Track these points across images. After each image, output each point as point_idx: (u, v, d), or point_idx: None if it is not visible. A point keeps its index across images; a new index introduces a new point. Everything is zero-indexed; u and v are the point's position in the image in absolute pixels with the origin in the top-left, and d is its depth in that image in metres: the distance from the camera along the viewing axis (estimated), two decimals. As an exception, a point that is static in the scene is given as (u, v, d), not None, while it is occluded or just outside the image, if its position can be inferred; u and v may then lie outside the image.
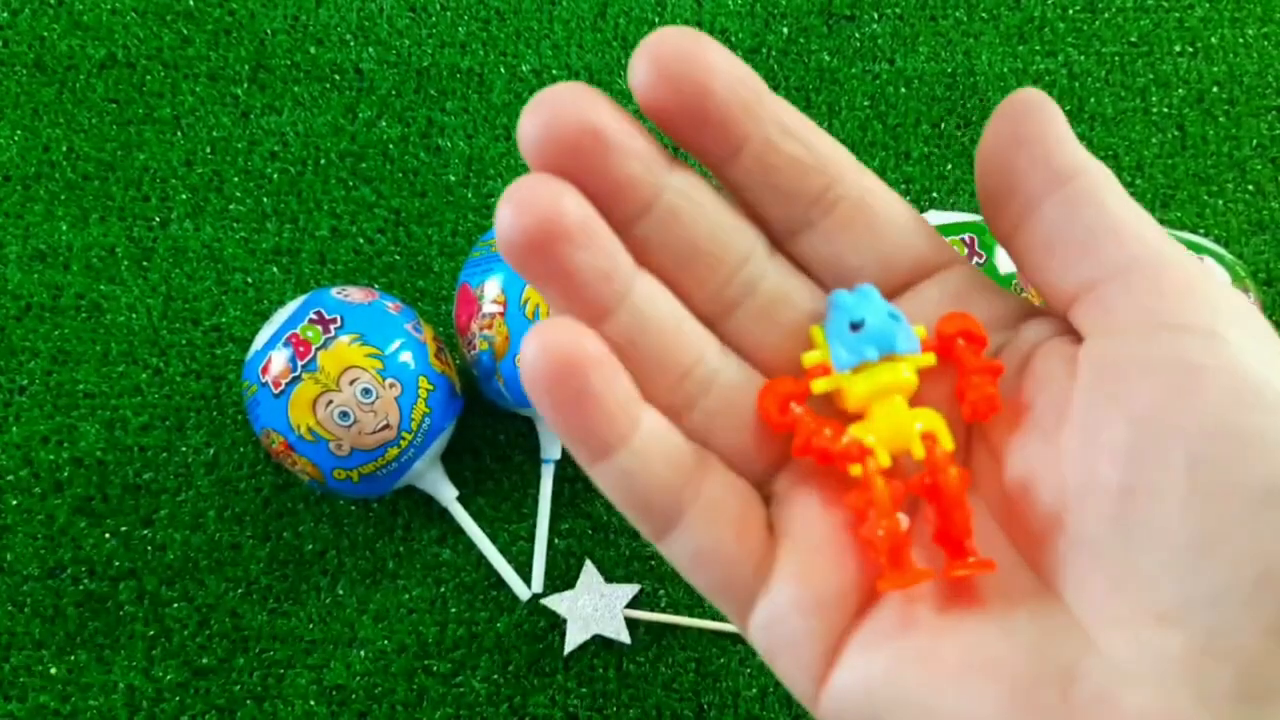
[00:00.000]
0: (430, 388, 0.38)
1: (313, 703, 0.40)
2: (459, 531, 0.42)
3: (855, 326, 0.17)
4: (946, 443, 0.17)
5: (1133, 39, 0.51)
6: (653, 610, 0.41)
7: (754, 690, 0.40)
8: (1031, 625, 0.16)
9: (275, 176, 0.48)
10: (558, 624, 0.41)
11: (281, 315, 0.38)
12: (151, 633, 0.41)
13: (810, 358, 0.17)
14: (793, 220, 0.18)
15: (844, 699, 0.16)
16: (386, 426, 0.37)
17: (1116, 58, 0.50)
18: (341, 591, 0.41)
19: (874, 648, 0.16)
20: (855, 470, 0.17)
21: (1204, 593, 0.14)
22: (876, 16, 0.51)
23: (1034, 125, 0.17)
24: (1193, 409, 0.15)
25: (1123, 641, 0.15)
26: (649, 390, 0.17)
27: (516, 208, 0.15)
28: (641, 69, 0.16)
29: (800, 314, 0.18)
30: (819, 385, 0.17)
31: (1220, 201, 0.48)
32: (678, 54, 0.16)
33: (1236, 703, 0.14)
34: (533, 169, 0.16)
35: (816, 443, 0.17)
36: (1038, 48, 0.51)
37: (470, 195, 0.47)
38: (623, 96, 0.49)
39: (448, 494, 0.41)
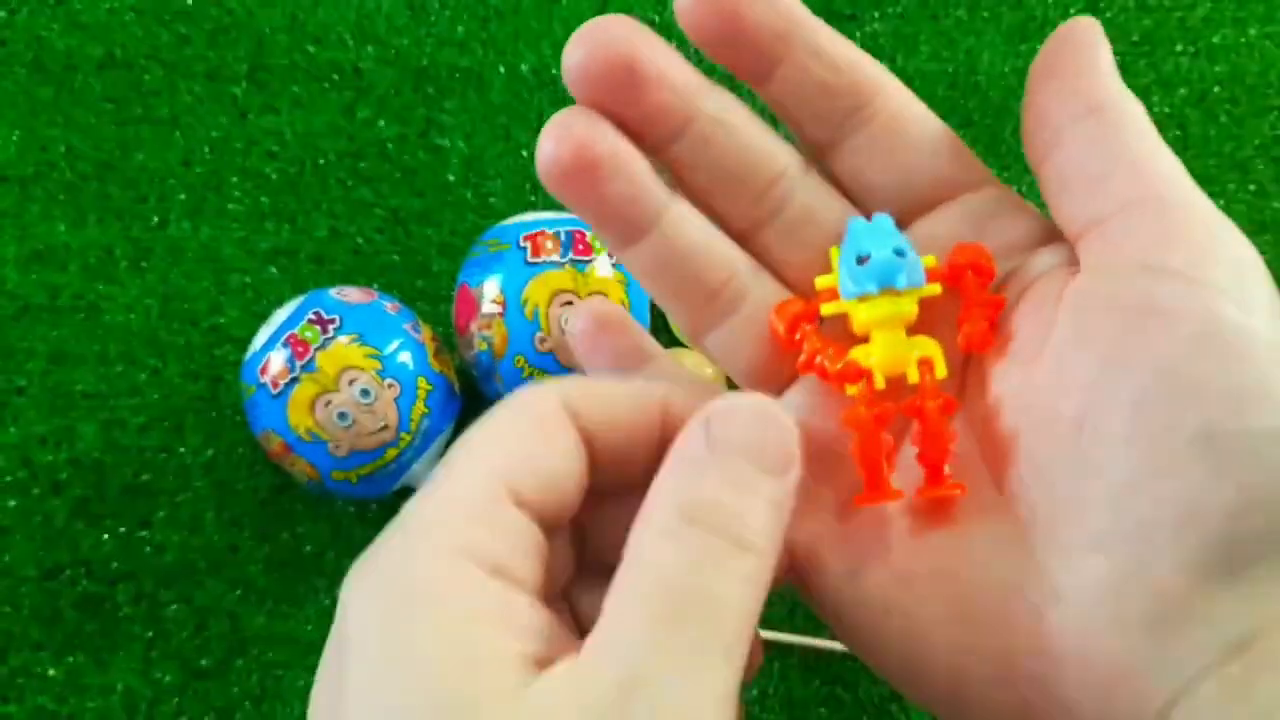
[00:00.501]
0: (429, 388, 0.38)
1: (311, 705, 0.40)
2: (458, 533, 0.42)
3: (861, 260, 0.18)
4: (940, 370, 0.18)
5: (1134, 38, 0.51)
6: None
7: (754, 691, 0.40)
8: (988, 541, 0.17)
9: (273, 176, 0.48)
10: (557, 626, 0.41)
11: (280, 316, 0.38)
12: (149, 634, 0.41)
13: (823, 281, 0.19)
14: (824, 137, 0.19)
15: (823, 587, 0.18)
16: (385, 427, 0.37)
17: (1118, 57, 0.50)
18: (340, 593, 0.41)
19: (849, 554, 0.18)
20: (851, 390, 0.18)
21: (1131, 526, 0.15)
22: (877, 15, 0.51)
23: (1068, 56, 0.18)
24: (1147, 351, 0.15)
25: (1059, 564, 0.16)
26: (680, 308, 0.19)
27: (555, 140, 0.17)
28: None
29: (825, 233, 0.19)
30: (826, 309, 0.19)
31: (1222, 202, 0.48)
32: None
33: (1146, 631, 0.15)
34: (576, 98, 0.18)
35: (818, 362, 0.18)
36: (1039, 46, 0.50)
37: (469, 195, 0.47)
38: (622, 96, 0.49)
39: (447, 495, 0.41)
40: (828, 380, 0.18)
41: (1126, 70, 0.50)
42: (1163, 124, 0.50)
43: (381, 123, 0.49)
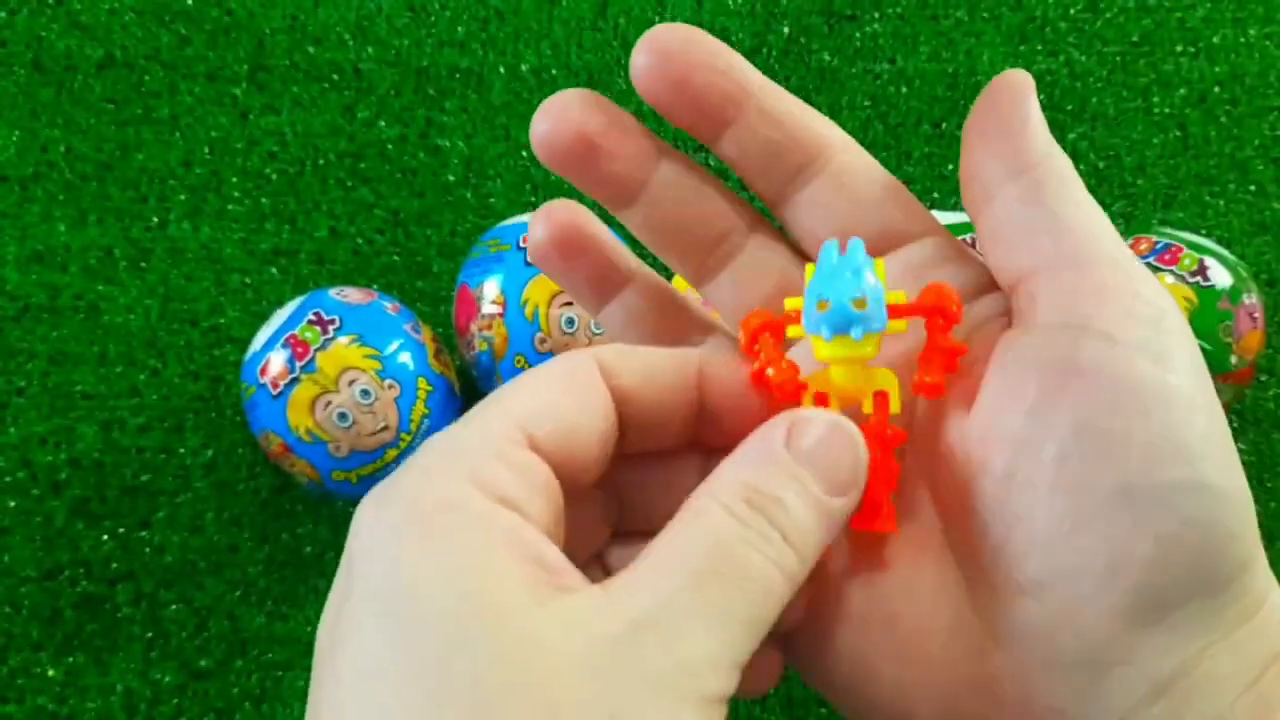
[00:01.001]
0: (429, 389, 0.38)
1: (311, 705, 0.40)
2: (458, 533, 0.42)
3: (823, 304, 0.18)
4: (895, 406, 0.18)
5: (1134, 39, 0.51)
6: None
7: (754, 693, 0.40)
8: (932, 585, 0.18)
9: (274, 177, 0.48)
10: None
11: (280, 316, 0.38)
12: (149, 635, 0.41)
13: (792, 302, 0.19)
14: (775, 192, 0.20)
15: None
16: (385, 428, 0.37)
17: (1118, 57, 0.50)
18: (340, 593, 0.41)
19: (807, 594, 0.18)
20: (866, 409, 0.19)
21: (1059, 574, 0.16)
22: (877, 16, 0.51)
23: (998, 114, 0.18)
24: (1068, 407, 0.16)
25: (995, 608, 0.17)
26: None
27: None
28: (637, 64, 0.19)
29: (770, 285, 0.20)
30: (792, 331, 0.19)
31: (1222, 202, 0.48)
32: (666, 50, 0.18)
33: (1078, 673, 0.16)
34: (544, 165, 0.19)
35: (768, 374, 0.18)
36: (1039, 47, 0.50)
37: (469, 195, 0.47)
38: (623, 96, 0.49)
39: (447, 495, 0.41)
40: (770, 392, 0.18)
41: (1127, 70, 0.50)
42: (1163, 124, 0.50)
43: (382, 123, 0.49)
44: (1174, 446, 0.15)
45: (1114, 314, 0.16)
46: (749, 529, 0.16)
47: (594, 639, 0.14)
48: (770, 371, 0.18)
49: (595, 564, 0.20)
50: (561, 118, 0.19)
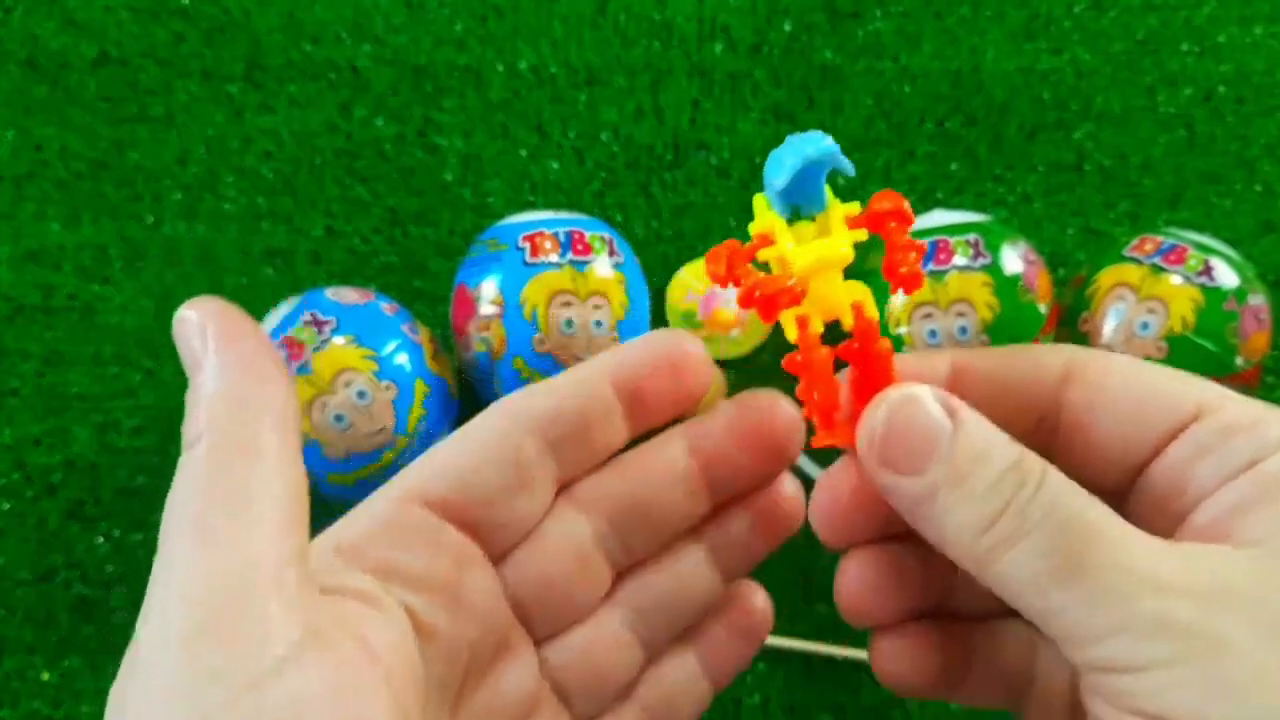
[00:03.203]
0: (426, 390, 0.37)
1: (307, 710, 0.40)
2: (456, 536, 0.42)
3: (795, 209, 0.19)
4: (872, 311, 0.19)
5: (1140, 37, 0.50)
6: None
7: (756, 698, 0.40)
8: None
9: (269, 175, 0.47)
10: (556, 630, 0.40)
11: (275, 316, 0.38)
12: (144, 638, 0.40)
13: (756, 226, 0.19)
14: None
15: None
16: (382, 429, 0.36)
17: (1123, 55, 0.50)
18: (336, 597, 0.41)
19: None
20: (792, 334, 0.19)
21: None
22: (880, 13, 0.51)
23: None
24: None
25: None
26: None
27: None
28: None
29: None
30: (764, 253, 0.19)
31: (1229, 201, 0.47)
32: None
33: None
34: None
35: (757, 295, 0.18)
36: (1044, 45, 0.50)
37: (467, 194, 0.47)
38: (622, 94, 0.49)
39: (444, 498, 0.40)
40: (767, 308, 0.18)
41: (1132, 69, 0.50)
42: (1169, 123, 0.49)
43: (379, 121, 0.48)
44: None
45: None
46: None
47: None
48: (758, 294, 0.18)
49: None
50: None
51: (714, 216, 0.47)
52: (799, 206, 0.19)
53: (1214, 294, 0.37)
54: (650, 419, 0.20)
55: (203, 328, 0.17)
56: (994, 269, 0.37)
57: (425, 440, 0.38)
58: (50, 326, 0.45)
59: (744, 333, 0.45)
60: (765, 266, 0.19)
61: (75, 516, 0.42)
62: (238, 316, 0.18)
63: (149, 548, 0.41)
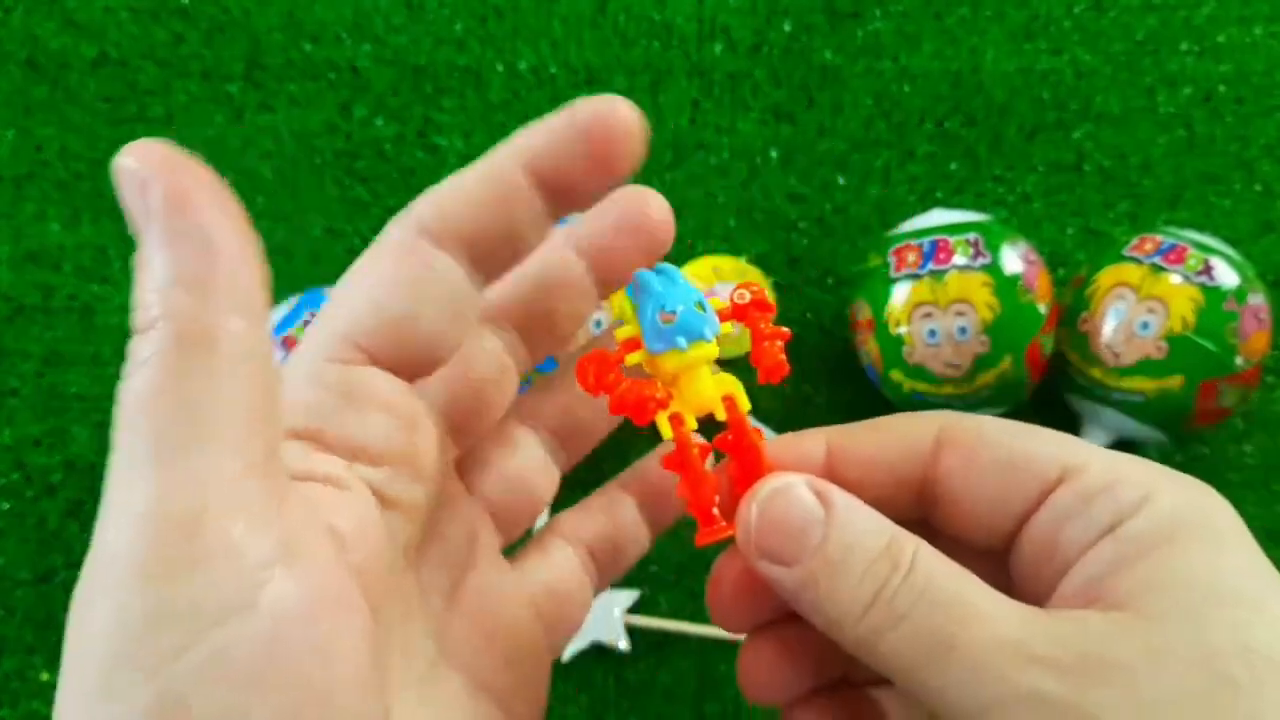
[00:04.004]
0: (426, 390, 0.38)
1: (307, 710, 0.40)
2: (456, 536, 0.42)
3: (666, 316, 0.18)
4: (743, 404, 0.19)
5: (1139, 37, 0.50)
6: (652, 617, 0.41)
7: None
8: None
9: (269, 175, 0.47)
10: (556, 630, 0.40)
11: (275, 316, 0.38)
12: (143, 639, 0.40)
13: (623, 332, 0.19)
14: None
15: None
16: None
17: (1123, 56, 0.50)
18: (336, 597, 0.41)
19: None
20: (667, 433, 0.19)
21: None
22: (880, 13, 0.51)
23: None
24: None
25: None
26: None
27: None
28: None
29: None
30: (633, 358, 0.19)
31: (1228, 201, 0.47)
32: None
33: None
34: None
35: (627, 397, 0.19)
36: (1043, 45, 0.50)
37: (467, 195, 0.47)
38: (622, 94, 0.49)
39: (444, 498, 0.40)
40: (637, 414, 0.19)
41: (1132, 69, 0.50)
42: (1168, 123, 0.49)
43: (379, 121, 0.48)
44: None
45: None
46: None
47: None
48: (627, 401, 0.19)
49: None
50: None
51: (713, 216, 0.47)
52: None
53: (1214, 293, 0.37)
54: (573, 207, 0.19)
55: (145, 185, 0.14)
56: (994, 269, 0.37)
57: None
58: (50, 326, 0.45)
59: (743, 331, 0.45)
60: (638, 369, 0.19)
61: (74, 516, 0.42)
62: (188, 169, 0.14)
63: (149, 548, 0.42)
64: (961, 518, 0.18)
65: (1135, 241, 0.39)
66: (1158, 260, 0.38)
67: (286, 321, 0.37)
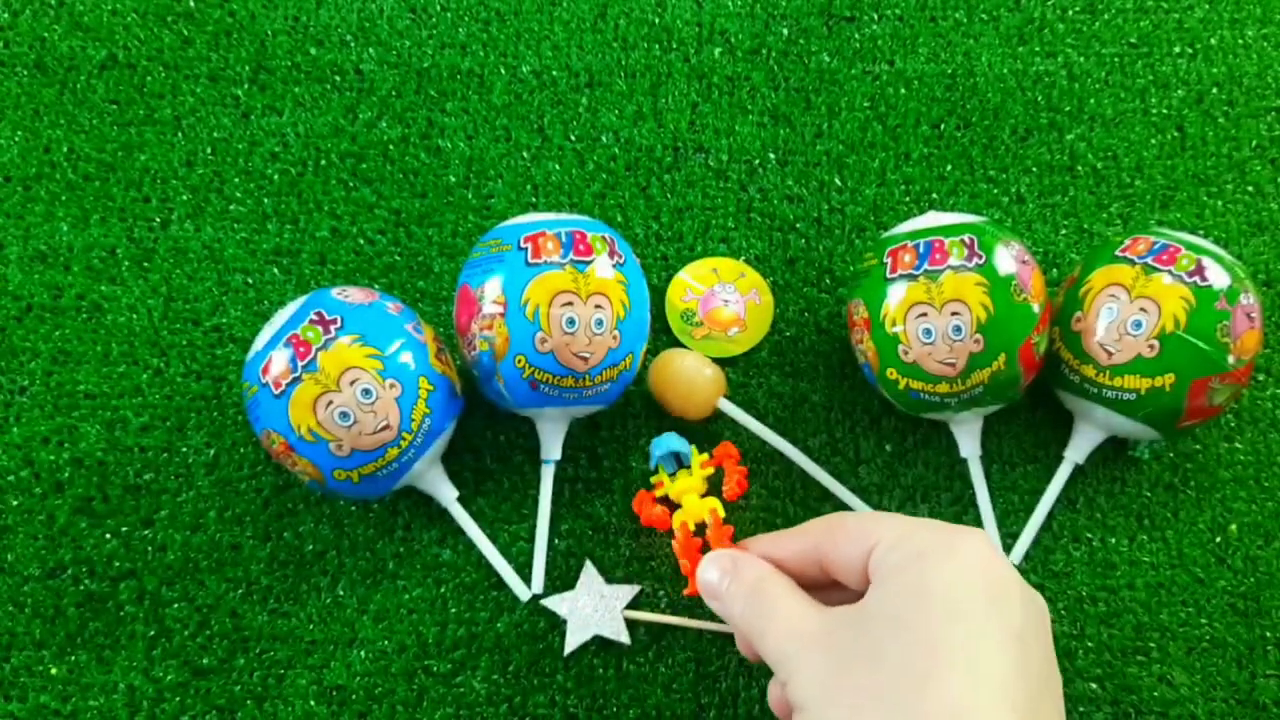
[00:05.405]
0: (430, 388, 0.38)
1: (313, 703, 0.40)
2: (459, 532, 0.42)
3: (669, 456, 0.42)
4: (720, 514, 0.40)
5: (1132, 40, 0.51)
6: (652, 611, 0.41)
7: (754, 690, 0.40)
8: None
9: (276, 177, 0.48)
10: (557, 625, 0.41)
11: (282, 316, 0.38)
12: (152, 633, 0.41)
13: (655, 479, 0.42)
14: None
15: None
16: (386, 427, 0.37)
17: (1116, 59, 0.51)
18: (342, 592, 0.41)
19: None
20: (680, 533, 0.40)
21: None
22: (876, 17, 0.51)
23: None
24: None
25: None
26: None
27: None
28: None
29: None
30: (660, 492, 0.41)
31: (1220, 202, 0.48)
32: None
33: None
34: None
35: (652, 519, 0.41)
36: (1037, 49, 0.51)
37: (470, 196, 0.47)
38: (622, 97, 0.50)
39: (448, 494, 0.41)
40: (660, 525, 0.41)
41: (1124, 72, 0.50)
42: (1161, 125, 0.50)
43: (383, 124, 0.49)
44: None
45: None
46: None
47: None
48: (653, 517, 0.41)
49: None
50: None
51: (713, 217, 0.48)
52: (678, 460, 0.42)
53: (1205, 293, 0.37)
54: None
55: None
56: (988, 269, 0.38)
57: (429, 438, 0.38)
58: (59, 326, 0.45)
59: (743, 331, 0.45)
60: (666, 499, 0.42)
61: (83, 513, 0.42)
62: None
63: (156, 544, 0.42)
64: (839, 573, 0.30)
65: (1128, 242, 0.40)
66: (1150, 261, 0.39)
67: (294, 321, 0.38)
